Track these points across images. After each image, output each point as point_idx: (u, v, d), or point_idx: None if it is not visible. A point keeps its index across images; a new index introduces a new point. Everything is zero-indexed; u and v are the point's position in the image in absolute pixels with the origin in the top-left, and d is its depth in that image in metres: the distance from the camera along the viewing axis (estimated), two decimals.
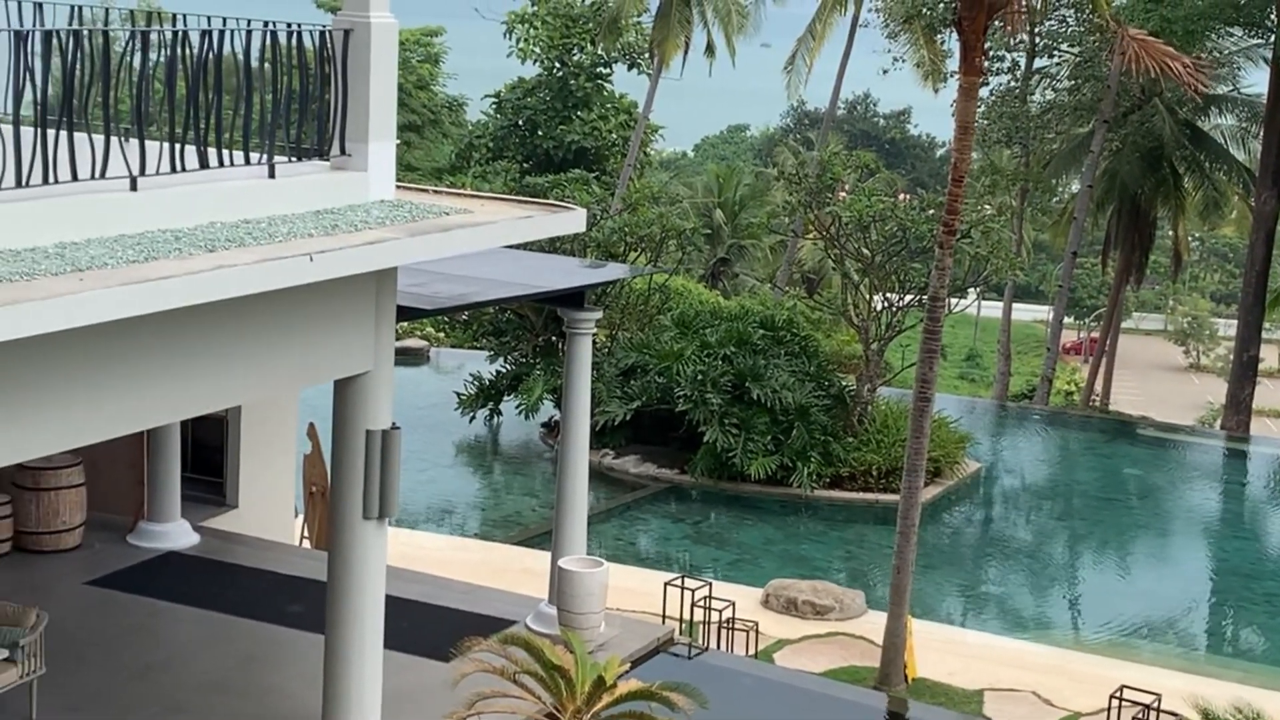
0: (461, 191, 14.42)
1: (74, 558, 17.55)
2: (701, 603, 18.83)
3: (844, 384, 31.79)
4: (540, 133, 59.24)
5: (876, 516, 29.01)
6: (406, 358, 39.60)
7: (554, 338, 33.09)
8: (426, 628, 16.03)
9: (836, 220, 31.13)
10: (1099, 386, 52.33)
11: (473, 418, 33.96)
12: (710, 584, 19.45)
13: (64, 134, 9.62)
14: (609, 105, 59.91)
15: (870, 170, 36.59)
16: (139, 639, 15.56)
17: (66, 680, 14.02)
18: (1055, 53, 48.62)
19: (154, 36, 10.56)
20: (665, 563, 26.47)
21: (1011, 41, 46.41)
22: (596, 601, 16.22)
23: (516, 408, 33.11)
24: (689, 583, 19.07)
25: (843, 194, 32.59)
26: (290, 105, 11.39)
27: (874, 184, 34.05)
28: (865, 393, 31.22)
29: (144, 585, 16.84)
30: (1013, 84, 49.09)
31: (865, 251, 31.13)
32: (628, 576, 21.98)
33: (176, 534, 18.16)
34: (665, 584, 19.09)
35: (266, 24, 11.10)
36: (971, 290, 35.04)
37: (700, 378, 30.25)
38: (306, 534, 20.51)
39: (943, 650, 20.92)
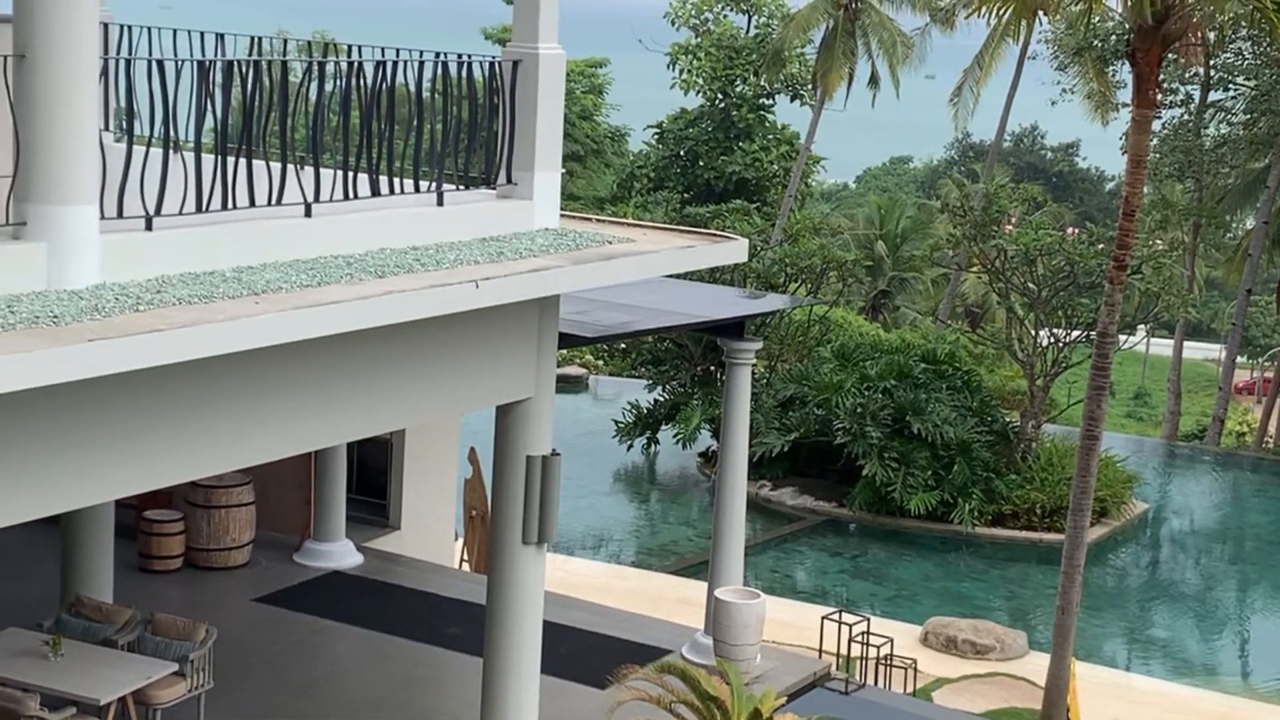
0: (624, 220, 14.51)
1: (242, 575, 17.97)
2: (859, 638, 18.61)
3: (1007, 420, 31.28)
4: (701, 163, 59.39)
5: (1040, 556, 28.44)
6: (565, 385, 39.93)
7: (712, 367, 33.08)
8: (583, 654, 16.09)
9: (1002, 253, 30.70)
10: (1272, 427, 50.69)
11: (630, 446, 34.08)
12: (868, 619, 19.23)
13: (243, 161, 9.89)
14: (771, 136, 59.83)
15: (1037, 203, 36.03)
16: (303, 656, 15.87)
17: (233, 694, 14.34)
18: (1231, 86, 47.39)
19: (329, 67, 10.82)
20: (822, 596, 26.26)
21: (1186, 74, 45.34)
22: (753, 633, 16.13)
23: (674, 437, 33.14)
24: (846, 617, 18.87)
25: (1009, 227, 32.14)
26: (459, 134, 11.58)
27: (1041, 217, 33.50)
28: (1029, 429, 30.69)
29: (309, 603, 17.17)
30: (1186, 117, 47.95)
31: (1031, 286, 30.64)
32: (784, 609, 21.82)
33: (341, 554, 18.49)
34: (823, 618, 18.91)
35: (438, 55, 11.30)
36: (1141, 327, 34.27)
37: (860, 410, 29.98)
38: (466, 557, 20.75)
39: (1107, 695, 20.41)
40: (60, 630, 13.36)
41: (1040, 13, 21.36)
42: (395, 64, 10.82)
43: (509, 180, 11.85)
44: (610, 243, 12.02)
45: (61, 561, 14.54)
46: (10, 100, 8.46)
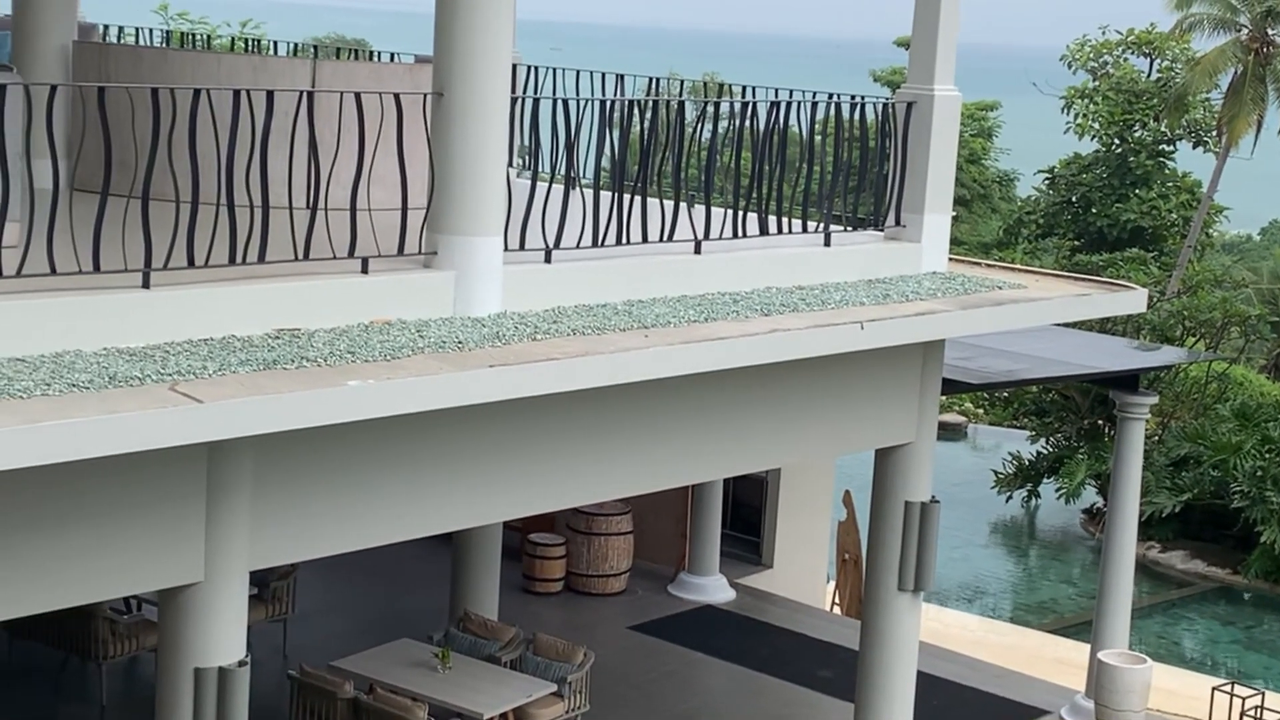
0: (1014, 266, 14.17)
1: (618, 602, 18.37)
2: (1252, 712, 17.53)
3: None
4: (1094, 210, 57.47)
5: None
6: (944, 432, 39.19)
7: (1100, 421, 31.91)
8: (957, 708, 15.73)
9: None
10: None
11: (1009, 498, 33.23)
12: (1263, 694, 18.10)
13: (637, 198, 10.15)
14: (1170, 184, 57.36)
15: None
16: (676, 686, 16.07)
17: (608, 719, 14.63)
18: None
19: (722, 107, 11.00)
20: (1212, 667, 24.93)
21: None
22: (1138, 700, 15.45)
23: (1056, 491, 32.11)
24: (1239, 690, 17.82)
25: None
26: (848, 175, 11.57)
27: None
28: None
29: (682, 635, 17.39)
30: None
31: None
32: (1170, 677, 20.80)
33: (714, 588, 18.66)
34: (1213, 689, 17.92)
35: (830, 96, 11.34)
36: None
37: (1260, 474, 28.38)
38: (837, 600, 20.62)
39: None
40: (449, 644, 13.94)
41: None
42: (788, 105, 10.91)
43: (898, 222, 11.77)
44: (1000, 288, 11.77)
45: (452, 578, 15.18)
46: (428, 135, 8.95)
